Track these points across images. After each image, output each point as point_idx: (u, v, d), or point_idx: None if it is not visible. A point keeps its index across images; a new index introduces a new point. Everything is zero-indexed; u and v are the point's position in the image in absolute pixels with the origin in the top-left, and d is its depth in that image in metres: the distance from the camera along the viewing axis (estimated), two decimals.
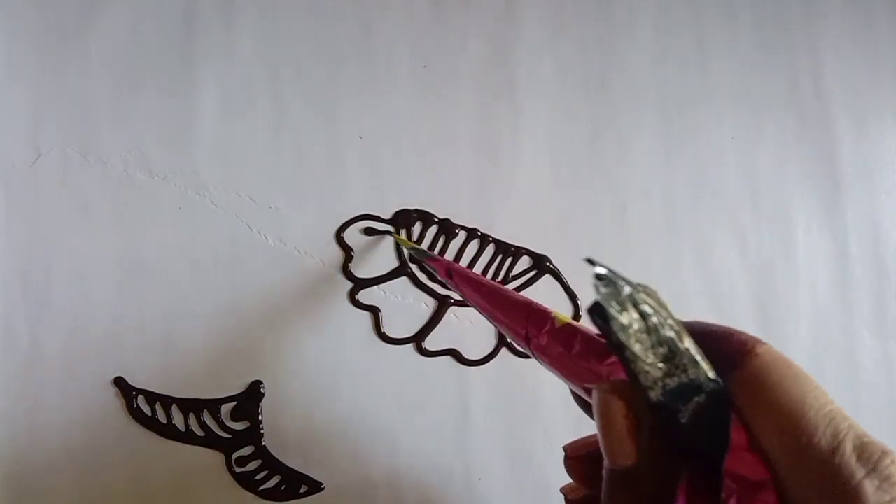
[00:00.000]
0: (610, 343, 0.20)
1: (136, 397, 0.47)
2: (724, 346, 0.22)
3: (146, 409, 0.47)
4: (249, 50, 0.51)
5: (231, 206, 0.50)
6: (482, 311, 0.37)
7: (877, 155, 0.57)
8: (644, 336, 0.20)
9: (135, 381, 0.48)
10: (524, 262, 0.52)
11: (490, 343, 0.51)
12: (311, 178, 0.51)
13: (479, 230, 0.52)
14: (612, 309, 0.20)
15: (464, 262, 0.52)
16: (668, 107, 0.55)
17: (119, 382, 0.47)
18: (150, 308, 0.48)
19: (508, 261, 0.52)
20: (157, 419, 0.47)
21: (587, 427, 0.49)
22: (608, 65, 0.55)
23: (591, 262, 0.20)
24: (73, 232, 0.48)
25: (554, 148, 0.53)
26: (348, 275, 0.50)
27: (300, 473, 0.48)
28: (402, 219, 0.51)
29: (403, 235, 0.51)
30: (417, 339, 0.50)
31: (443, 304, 0.51)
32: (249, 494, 0.47)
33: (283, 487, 0.48)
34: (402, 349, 0.50)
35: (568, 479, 0.31)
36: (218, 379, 0.48)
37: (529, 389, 0.51)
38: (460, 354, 0.51)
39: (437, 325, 0.51)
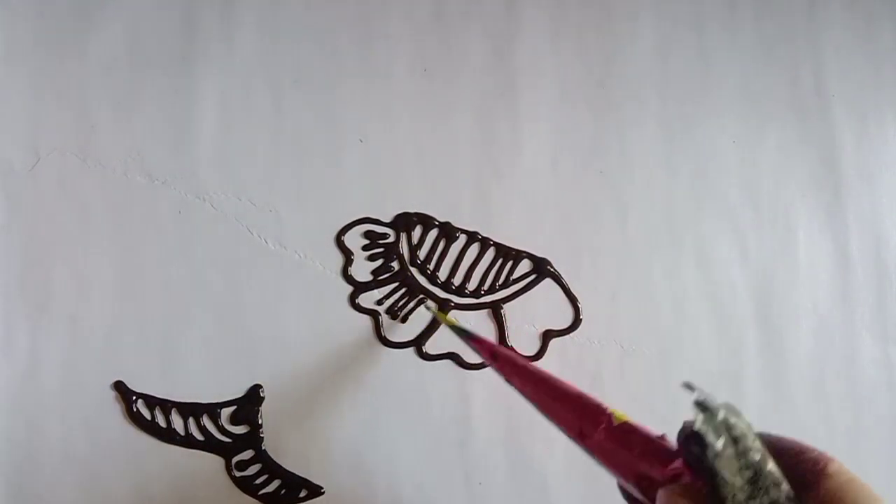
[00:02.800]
0: (702, 467, 0.22)
1: (135, 402, 0.47)
2: (797, 463, 0.23)
3: (146, 414, 0.47)
4: (249, 53, 0.51)
5: (231, 209, 0.50)
6: (530, 399, 0.36)
7: (878, 157, 0.57)
8: (733, 461, 0.22)
9: (134, 385, 0.47)
10: (525, 266, 0.52)
11: None
12: (312, 181, 0.51)
13: (479, 233, 0.52)
14: (709, 436, 0.22)
15: (464, 266, 0.51)
16: (669, 111, 0.55)
17: (119, 387, 0.47)
18: (150, 312, 0.48)
19: (509, 264, 0.52)
20: (157, 423, 0.47)
21: None
22: (609, 69, 0.55)
23: (689, 387, 0.23)
24: (73, 236, 0.48)
25: (555, 151, 0.53)
26: (348, 278, 0.50)
27: (300, 477, 0.48)
28: (403, 222, 0.51)
29: (438, 310, 0.49)
30: (418, 343, 0.50)
31: (443, 307, 0.51)
32: (249, 499, 0.47)
33: (283, 492, 0.48)
34: (403, 353, 0.50)
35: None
36: (218, 383, 0.48)
37: None
38: (461, 358, 0.50)
39: (437, 328, 0.51)
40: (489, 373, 0.51)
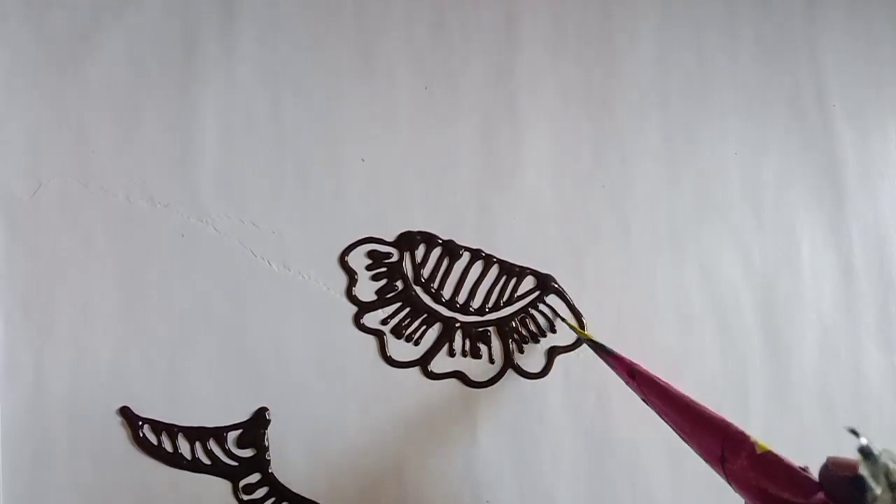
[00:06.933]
0: None
1: (142, 427, 0.47)
2: None
3: (152, 439, 0.47)
4: (249, 76, 0.51)
5: (234, 232, 0.50)
6: (668, 420, 0.36)
7: (881, 166, 0.57)
8: None
9: (140, 410, 0.47)
10: (529, 283, 0.52)
11: (496, 364, 0.51)
12: (314, 202, 0.51)
13: (482, 251, 0.52)
14: (870, 482, 0.24)
15: (468, 284, 0.51)
16: (671, 124, 0.55)
17: (125, 412, 0.47)
18: (155, 336, 0.48)
19: (513, 281, 0.52)
20: (164, 448, 0.47)
21: (592, 445, 0.49)
22: (609, 83, 0.54)
23: (854, 432, 0.25)
24: (76, 261, 0.48)
25: (557, 167, 0.53)
26: (352, 299, 0.50)
27: (308, 500, 0.48)
28: (406, 241, 0.51)
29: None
30: (423, 362, 0.50)
31: (448, 326, 0.51)
32: None
33: None
34: (408, 372, 0.50)
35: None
36: (223, 406, 0.48)
37: (536, 410, 0.51)
38: (466, 376, 0.50)
39: (442, 347, 0.51)
40: (496, 390, 0.51)
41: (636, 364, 0.41)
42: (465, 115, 0.53)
